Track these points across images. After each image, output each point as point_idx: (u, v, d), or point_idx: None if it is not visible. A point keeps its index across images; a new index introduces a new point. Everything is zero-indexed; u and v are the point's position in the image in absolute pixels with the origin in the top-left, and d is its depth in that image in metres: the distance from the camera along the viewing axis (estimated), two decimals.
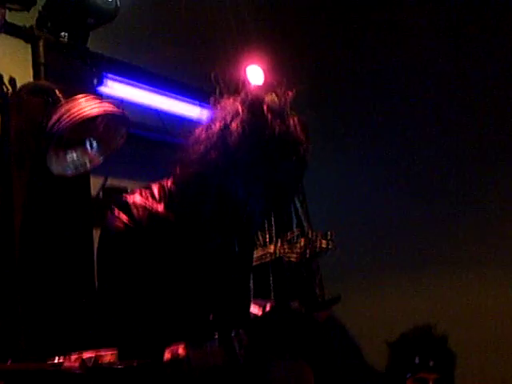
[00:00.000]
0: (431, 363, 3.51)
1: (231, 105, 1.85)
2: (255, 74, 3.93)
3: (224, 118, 1.82)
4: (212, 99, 1.93)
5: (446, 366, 3.57)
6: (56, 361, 1.60)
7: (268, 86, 1.93)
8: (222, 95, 1.91)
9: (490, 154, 4.18)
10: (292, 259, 3.27)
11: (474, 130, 4.24)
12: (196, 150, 1.83)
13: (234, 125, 1.78)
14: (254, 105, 1.81)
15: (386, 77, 4.55)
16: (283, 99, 1.85)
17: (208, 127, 1.84)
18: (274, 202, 1.89)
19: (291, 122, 1.82)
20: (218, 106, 1.89)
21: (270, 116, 1.78)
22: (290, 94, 1.88)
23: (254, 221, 1.93)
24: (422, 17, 4.34)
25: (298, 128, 1.83)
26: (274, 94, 1.86)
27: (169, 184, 1.96)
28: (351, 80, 4.72)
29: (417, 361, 3.50)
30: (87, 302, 2.66)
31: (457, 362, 3.65)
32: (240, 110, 1.81)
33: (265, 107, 1.80)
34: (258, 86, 1.97)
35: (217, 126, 1.81)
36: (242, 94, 1.87)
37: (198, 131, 1.87)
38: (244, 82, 3.67)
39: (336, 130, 4.69)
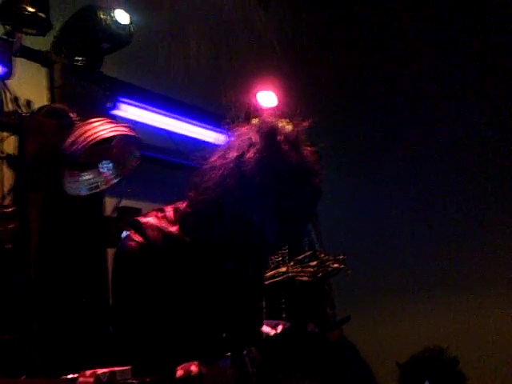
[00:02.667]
0: None
1: (247, 133, 1.85)
2: (268, 100, 3.96)
3: (240, 147, 1.82)
4: (226, 124, 1.94)
5: None
6: (70, 377, 1.61)
7: (284, 115, 1.93)
8: (234, 120, 1.92)
9: (500, 177, 4.21)
10: (304, 279, 3.28)
11: (483, 149, 4.28)
12: (211, 177, 1.84)
13: (249, 154, 1.78)
14: (269, 135, 1.81)
15: (397, 102, 4.61)
16: (299, 129, 1.86)
17: (224, 155, 1.84)
18: (288, 230, 1.90)
19: (306, 152, 1.82)
20: (234, 133, 1.89)
21: (285, 146, 1.79)
22: (306, 124, 1.89)
23: (267, 247, 1.95)
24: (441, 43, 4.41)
25: (313, 158, 1.83)
26: (289, 124, 1.86)
27: (183, 207, 1.98)
28: (362, 105, 4.77)
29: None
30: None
31: None
32: (256, 140, 1.81)
33: (280, 137, 1.80)
34: (274, 114, 1.95)
35: (232, 154, 1.82)
36: (258, 123, 1.87)
37: (213, 158, 1.87)
38: (257, 108, 3.70)
39: (349, 154, 4.73)
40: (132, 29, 3.09)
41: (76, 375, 1.59)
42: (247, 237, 1.85)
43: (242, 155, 1.80)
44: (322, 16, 4.80)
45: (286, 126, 1.85)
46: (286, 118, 1.89)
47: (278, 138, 1.80)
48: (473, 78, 4.31)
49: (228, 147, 1.86)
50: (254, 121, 1.90)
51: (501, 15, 4.23)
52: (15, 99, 2.90)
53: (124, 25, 3.04)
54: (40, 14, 2.74)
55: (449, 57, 4.38)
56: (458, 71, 4.35)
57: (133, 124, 3.25)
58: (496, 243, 4.19)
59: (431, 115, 4.49)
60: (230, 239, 1.87)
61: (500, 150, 4.23)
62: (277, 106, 3.91)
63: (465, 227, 4.29)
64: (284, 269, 3.32)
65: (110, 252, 2.76)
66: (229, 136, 1.91)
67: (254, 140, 1.81)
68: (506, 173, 4.20)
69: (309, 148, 1.85)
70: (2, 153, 2.83)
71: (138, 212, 3.03)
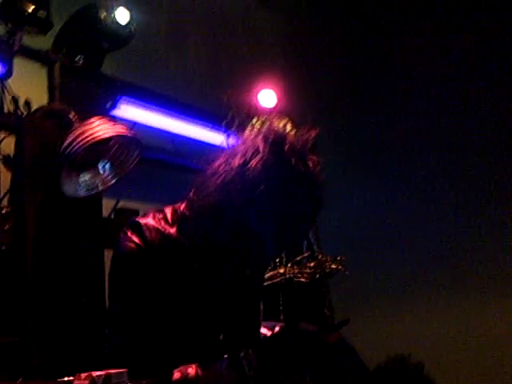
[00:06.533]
0: None
1: (252, 140, 1.83)
2: (269, 99, 3.95)
3: (244, 154, 1.80)
4: (228, 126, 1.92)
5: None
6: (66, 379, 1.61)
7: (291, 123, 1.90)
8: (234, 119, 1.91)
9: (500, 178, 4.21)
10: (302, 280, 3.27)
11: (483, 150, 4.28)
12: (213, 183, 1.82)
13: (253, 162, 1.77)
14: (275, 144, 1.79)
15: (399, 104, 4.62)
16: (306, 138, 1.83)
17: (227, 160, 1.83)
18: (287, 239, 1.89)
19: (311, 163, 1.80)
20: (240, 139, 1.88)
21: (290, 157, 1.77)
22: (313, 132, 1.86)
23: (266, 253, 1.95)
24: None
25: (317, 169, 1.82)
26: (296, 132, 1.84)
27: (182, 209, 1.97)
28: (363, 106, 4.77)
29: None
30: (84, 305, 2.67)
31: None
32: (261, 148, 1.79)
33: (286, 147, 1.78)
34: (281, 120, 1.92)
35: (236, 161, 1.80)
36: (265, 130, 1.84)
37: (216, 163, 1.85)
38: (257, 107, 3.69)
39: (349, 154, 4.73)
40: (132, 28, 3.08)
41: (71, 378, 1.59)
42: (245, 242, 1.85)
43: (245, 163, 1.79)
44: (323, 15, 4.80)
45: (293, 135, 1.82)
46: (293, 124, 1.88)
47: (284, 147, 1.79)
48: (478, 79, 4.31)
49: (232, 153, 1.85)
50: (260, 126, 1.88)
51: None
52: (15, 99, 2.90)
53: (124, 24, 3.03)
54: (40, 12, 2.74)
55: (451, 58, 4.38)
56: (461, 71, 4.35)
57: (132, 124, 3.25)
58: (498, 244, 4.20)
59: (434, 117, 4.50)
60: (228, 244, 1.87)
61: (501, 151, 4.24)
62: (278, 107, 3.89)
63: (464, 229, 4.30)
64: (282, 270, 3.31)
65: (108, 253, 2.75)
66: (233, 140, 1.90)
67: (259, 148, 1.80)
68: (507, 173, 4.21)
69: (314, 157, 1.82)
70: (0, 153, 2.83)
71: (135, 214, 3.02)
